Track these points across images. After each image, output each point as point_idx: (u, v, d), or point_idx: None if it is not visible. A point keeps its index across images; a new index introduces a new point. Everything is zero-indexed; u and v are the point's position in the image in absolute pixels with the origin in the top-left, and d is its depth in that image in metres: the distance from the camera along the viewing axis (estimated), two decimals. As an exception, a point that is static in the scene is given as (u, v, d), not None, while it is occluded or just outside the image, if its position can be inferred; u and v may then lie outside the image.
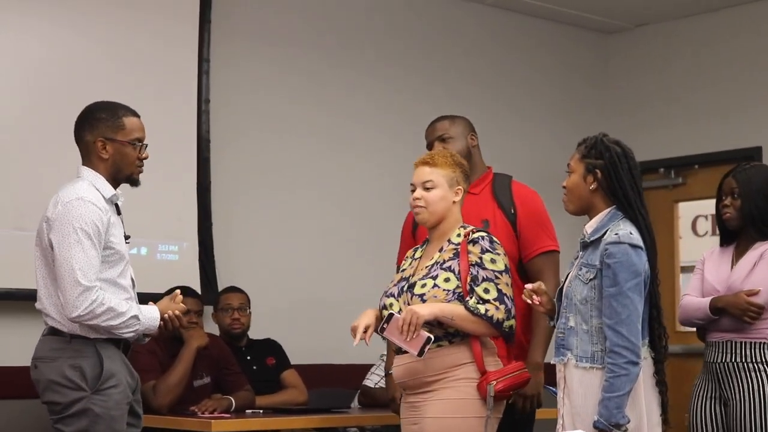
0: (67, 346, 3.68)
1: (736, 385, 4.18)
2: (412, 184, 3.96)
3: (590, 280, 3.54)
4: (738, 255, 4.28)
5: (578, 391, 3.55)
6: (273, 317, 5.79)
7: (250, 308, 5.48)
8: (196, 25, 5.75)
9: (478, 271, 3.81)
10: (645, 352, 3.54)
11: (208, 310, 5.50)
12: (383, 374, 5.39)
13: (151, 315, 3.76)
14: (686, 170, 7.17)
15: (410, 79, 6.60)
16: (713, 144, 6.95)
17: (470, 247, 3.84)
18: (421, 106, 6.31)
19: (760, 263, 4.19)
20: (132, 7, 5.56)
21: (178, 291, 3.92)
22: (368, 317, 3.87)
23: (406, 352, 3.78)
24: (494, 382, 3.74)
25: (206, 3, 5.79)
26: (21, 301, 4.85)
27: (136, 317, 3.71)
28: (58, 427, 3.69)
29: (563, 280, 3.72)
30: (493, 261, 3.83)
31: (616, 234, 3.51)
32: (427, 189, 3.90)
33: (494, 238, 3.90)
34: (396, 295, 3.92)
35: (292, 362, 5.55)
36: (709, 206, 6.75)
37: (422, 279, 3.87)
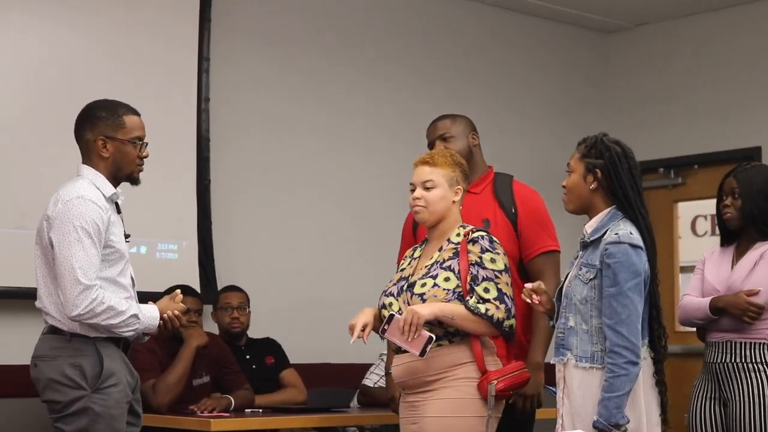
0: (67, 344, 3.68)
1: (735, 385, 4.18)
2: (411, 184, 3.96)
3: (590, 280, 3.54)
4: (738, 255, 4.28)
5: (578, 391, 3.54)
6: (272, 316, 5.79)
7: (249, 307, 5.48)
8: (196, 23, 5.75)
9: (478, 271, 3.81)
10: (644, 352, 3.54)
11: (208, 309, 5.50)
12: (382, 373, 5.39)
13: (150, 314, 3.76)
14: (686, 170, 7.17)
15: (410, 78, 6.60)
16: (713, 144, 6.95)
17: (470, 247, 3.84)
18: (421, 104, 6.32)
19: (761, 263, 4.19)
20: (132, 6, 5.56)
21: (178, 291, 3.92)
22: (366, 316, 3.87)
23: (405, 351, 3.78)
24: (495, 382, 3.74)
25: (206, 2, 5.79)
26: (21, 299, 4.84)
27: (135, 316, 3.71)
28: (57, 426, 3.69)
29: (563, 279, 3.72)
30: (492, 260, 3.83)
31: (616, 234, 3.51)
32: (427, 189, 3.90)
33: (494, 238, 3.90)
34: (395, 295, 3.92)
35: (292, 361, 5.55)
36: (708, 206, 6.78)
37: (422, 278, 3.86)
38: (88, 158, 3.80)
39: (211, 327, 5.46)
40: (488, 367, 3.79)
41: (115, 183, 3.81)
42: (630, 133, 6.11)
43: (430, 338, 3.70)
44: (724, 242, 4.36)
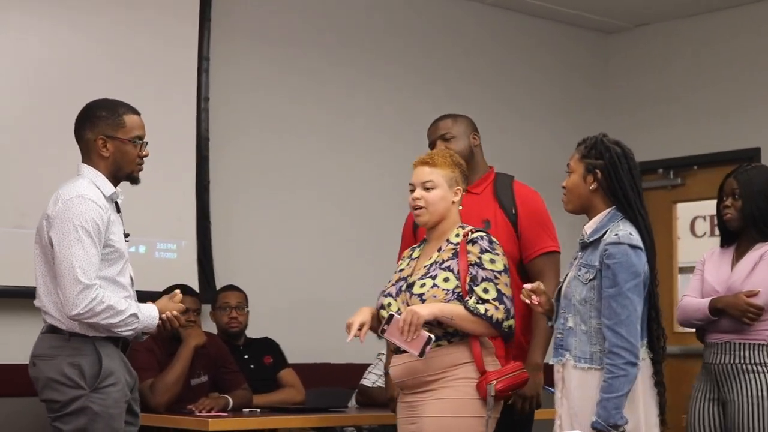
0: (66, 344, 3.68)
1: (734, 386, 4.17)
2: (411, 184, 3.95)
3: (589, 280, 3.54)
4: (738, 256, 4.28)
5: (576, 391, 3.54)
6: (271, 316, 5.79)
7: (248, 307, 5.48)
8: (196, 23, 5.75)
9: (477, 271, 3.81)
10: (643, 353, 3.54)
11: (206, 308, 5.50)
12: (380, 373, 5.39)
13: (149, 313, 3.76)
14: (685, 171, 7.17)
15: (410, 78, 6.60)
16: (712, 145, 6.95)
17: (469, 247, 3.84)
18: (421, 104, 6.32)
19: (761, 264, 4.19)
20: (132, 5, 5.56)
21: (177, 291, 3.92)
22: (364, 315, 3.87)
23: (404, 351, 3.78)
24: (494, 382, 3.74)
25: (206, 1, 5.79)
26: (21, 298, 4.84)
27: (135, 315, 3.70)
28: (56, 425, 3.69)
29: (562, 280, 3.72)
30: (492, 261, 3.83)
31: (616, 234, 3.51)
32: (427, 189, 3.90)
33: (493, 238, 3.90)
34: (394, 295, 3.92)
35: (290, 361, 5.54)
36: (707, 207, 6.78)
37: (421, 279, 3.86)
38: (88, 157, 3.80)
39: (210, 326, 5.46)
40: (487, 368, 3.80)
41: (115, 182, 3.81)
42: (629, 134, 6.11)
43: (429, 338, 3.70)
44: (724, 243, 4.36)
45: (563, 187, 3.69)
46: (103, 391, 3.66)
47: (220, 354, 5.17)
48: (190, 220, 5.68)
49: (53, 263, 3.67)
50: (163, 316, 3.79)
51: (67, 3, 5.41)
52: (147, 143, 3.85)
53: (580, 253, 3.64)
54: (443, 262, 3.86)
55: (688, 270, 6.92)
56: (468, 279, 3.80)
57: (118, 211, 3.85)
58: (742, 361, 4.16)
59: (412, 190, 3.94)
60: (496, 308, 3.78)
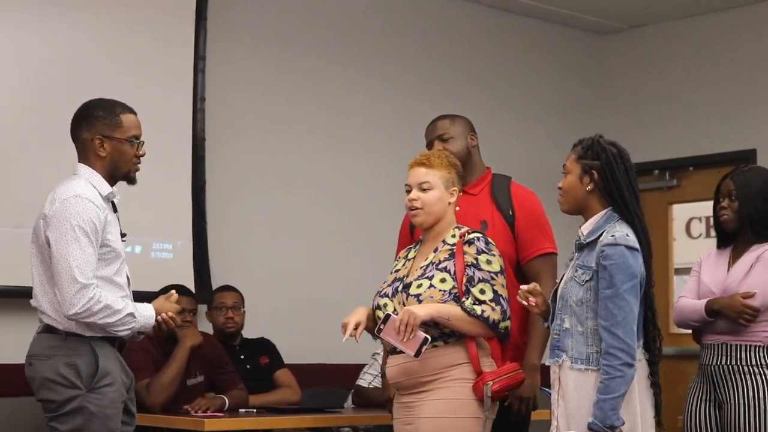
0: (62, 343, 3.68)
1: (731, 387, 4.18)
2: (407, 185, 3.95)
3: (586, 281, 3.54)
4: (735, 257, 4.28)
5: (573, 392, 3.54)
6: (267, 316, 5.78)
7: (244, 307, 5.48)
8: (192, 22, 5.74)
9: (473, 272, 3.81)
10: (639, 354, 3.54)
11: (202, 308, 5.49)
12: (376, 373, 5.40)
13: (146, 313, 3.76)
14: (681, 172, 7.18)
15: (408, 78, 6.60)
16: (708, 146, 6.96)
17: (466, 248, 3.84)
18: (419, 104, 6.32)
19: (757, 266, 4.19)
20: (128, 5, 5.55)
21: (173, 291, 3.92)
22: (359, 314, 3.87)
23: (400, 352, 3.78)
24: (491, 383, 3.75)
25: (202, 1, 5.78)
26: (18, 298, 4.83)
27: (132, 315, 3.70)
28: (52, 425, 3.68)
29: (558, 281, 3.72)
30: (488, 262, 3.83)
31: (613, 236, 3.51)
32: (423, 190, 3.90)
33: (489, 240, 3.90)
34: (390, 296, 3.92)
35: (287, 361, 5.54)
36: (703, 208, 6.80)
37: (418, 279, 3.86)
38: (84, 157, 3.80)
39: (206, 327, 5.45)
40: (483, 369, 3.80)
41: (112, 182, 3.81)
42: (625, 135, 6.06)
43: (426, 339, 3.70)
44: (721, 244, 4.36)
45: (559, 188, 3.69)
46: (99, 391, 3.66)
47: (216, 354, 5.16)
48: (186, 220, 5.68)
49: (50, 263, 3.66)
50: (159, 317, 3.78)
51: (65, 2, 5.41)
52: (144, 143, 3.85)
53: (576, 254, 3.64)
54: (440, 262, 3.86)
55: (683, 271, 6.92)
56: (464, 280, 3.80)
57: (115, 210, 3.85)
58: (739, 363, 4.17)
59: (409, 191, 3.94)
60: (493, 309, 3.78)
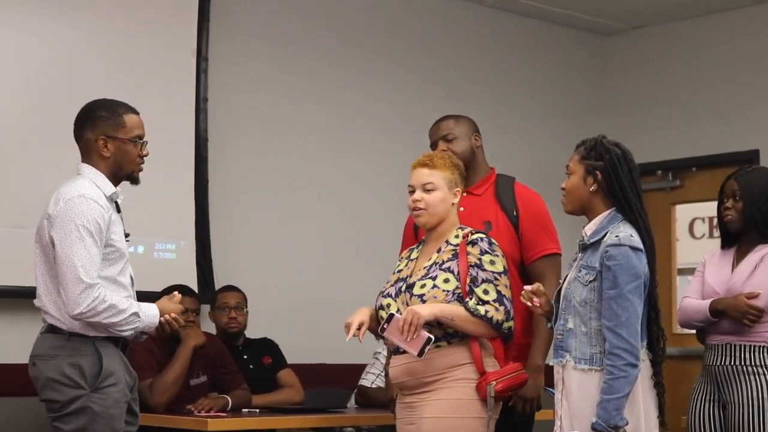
0: (66, 343, 3.68)
1: (735, 388, 4.18)
2: (410, 186, 3.95)
3: (590, 282, 3.54)
4: (739, 257, 4.28)
5: (576, 392, 3.54)
6: (270, 316, 5.78)
7: (247, 307, 5.48)
8: (195, 23, 5.74)
9: (477, 273, 3.81)
10: (643, 354, 3.54)
11: (205, 308, 5.49)
12: (378, 372, 5.40)
13: (150, 312, 3.76)
14: (684, 173, 7.17)
15: (410, 78, 6.60)
16: (711, 146, 6.96)
17: (469, 249, 3.84)
18: (421, 105, 6.32)
19: (761, 266, 4.19)
20: (131, 5, 5.55)
21: (176, 292, 3.92)
22: (362, 314, 3.87)
23: (403, 352, 3.78)
24: (494, 383, 3.75)
25: (205, 1, 5.78)
26: (21, 298, 4.83)
27: (136, 314, 3.70)
28: (56, 425, 3.68)
29: (561, 281, 3.72)
30: (492, 262, 3.83)
31: (617, 236, 3.51)
32: (427, 191, 3.90)
33: (492, 240, 3.90)
34: (393, 296, 3.92)
35: (290, 362, 5.54)
36: (706, 209, 6.80)
37: (421, 280, 3.86)
38: (88, 157, 3.80)
39: (209, 327, 5.46)
40: (487, 369, 3.80)
41: (116, 182, 3.81)
42: (628, 135, 6.08)
43: (429, 339, 3.70)
44: (725, 245, 4.36)
45: (562, 189, 3.69)
46: (103, 391, 3.66)
47: (219, 354, 5.17)
48: (189, 220, 5.68)
49: (54, 263, 3.66)
50: (162, 318, 3.78)
51: (65, 2, 5.41)
52: (147, 143, 3.85)
53: (579, 255, 3.64)
54: (443, 263, 3.86)
55: (686, 271, 6.92)
56: (468, 280, 3.80)
57: (119, 210, 3.85)
58: (743, 363, 4.17)
59: (412, 192, 3.94)
60: (496, 309, 3.78)
